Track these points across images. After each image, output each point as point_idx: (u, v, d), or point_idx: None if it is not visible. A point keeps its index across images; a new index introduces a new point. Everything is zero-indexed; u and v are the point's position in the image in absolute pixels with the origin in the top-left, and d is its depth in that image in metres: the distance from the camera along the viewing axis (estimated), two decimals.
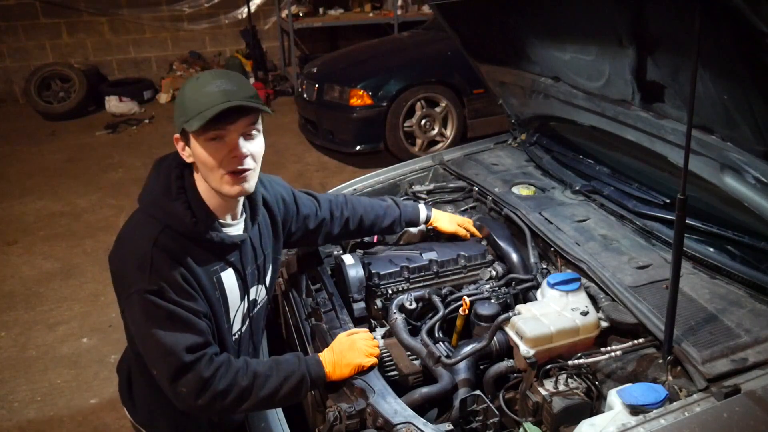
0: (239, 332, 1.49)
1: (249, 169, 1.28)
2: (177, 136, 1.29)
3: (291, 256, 1.98)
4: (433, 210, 1.97)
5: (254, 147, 1.28)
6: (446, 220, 1.97)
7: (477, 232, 1.98)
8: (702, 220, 1.65)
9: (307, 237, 1.74)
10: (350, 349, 1.42)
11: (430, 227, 1.99)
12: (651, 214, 1.80)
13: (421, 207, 1.94)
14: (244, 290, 1.46)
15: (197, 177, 1.32)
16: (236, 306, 1.45)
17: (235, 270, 1.41)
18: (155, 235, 1.26)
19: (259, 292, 1.54)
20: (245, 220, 1.43)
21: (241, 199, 1.40)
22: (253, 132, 1.28)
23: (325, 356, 1.41)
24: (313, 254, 1.95)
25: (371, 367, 1.42)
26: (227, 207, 1.36)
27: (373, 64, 5.43)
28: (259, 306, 1.57)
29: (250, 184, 1.30)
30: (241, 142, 1.24)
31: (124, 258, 1.28)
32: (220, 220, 1.36)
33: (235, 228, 1.40)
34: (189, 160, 1.29)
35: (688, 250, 1.62)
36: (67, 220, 4.55)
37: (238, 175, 1.26)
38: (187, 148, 1.28)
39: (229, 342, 1.43)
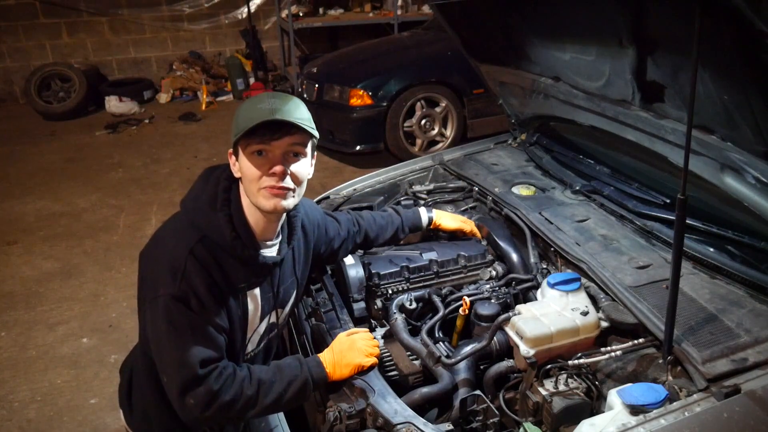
0: (253, 353, 1.50)
1: (288, 188, 1.28)
2: (230, 151, 1.31)
3: None
4: (434, 211, 1.97)
5: (297, 168, 1.28)
6: (448, 218, 1.98)
7: (478, 233, 1.98)
8: (702, 220, 1.65)
9: (331, 257, 1.76)
10: (350, 349, 1.42)
11: (433, 228, 1.99)
12: (651, 214, 1.80)
13: (422, 211, 1.94)
14: (266, 312, 1.46)
15: (243, 193, 1.33)
16: (254, 327, 1.45)
17: (262, 291, 1.41)
18: (192, 244, 1.27)
19: (279, 316, 1.54)
20: (281, 242, 1.43)
21: (281, 221, 1.40)
22: (299, 153, 1.28)
23: (325, 356, 1.41)
24: None
25: (371, 367, 1.42)
26: (267, 226, 1.36)
27: (373, 64, 5.43)
28: (275, 330, 1.56)
29: (288, 203, 1.30)
30: (284, 160, 1.26)
31: (158, 260, 1.28)
32: (258, 239, 1.36)
33: (271, 249, 1.40)
34: (237, 174, 1.31)
35: (688, 250, 1.62)
36: (67, 220, 4.55)
37: (275, 191, 1.26)
38: (236, 162, 1.30)
39: (239, 361, 1.42)
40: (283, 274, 1.47)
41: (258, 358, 1.53)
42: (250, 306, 1.39)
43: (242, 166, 1.27)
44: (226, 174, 1.34)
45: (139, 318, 1.35)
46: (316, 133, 1.28)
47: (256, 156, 1.25)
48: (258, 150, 1.24)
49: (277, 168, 1.25)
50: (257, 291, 1.40)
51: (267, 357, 1.59)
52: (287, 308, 1.56)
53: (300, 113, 1.25)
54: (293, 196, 1.30)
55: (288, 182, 1.27)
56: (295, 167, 1.28)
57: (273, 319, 1.51)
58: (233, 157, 1.31)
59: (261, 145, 1.23)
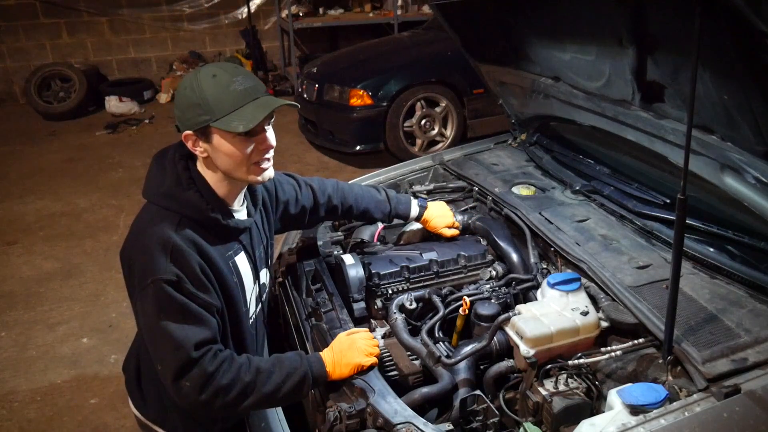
0: (254, 316, 1.53)
1: (271, 158, 1.35)
2: (188, 133, 1.29)
3: (291, 255, 1.98)
4: (429, 210, 1.95)
5: (271, 134, 1.34)
6: (437, 223, 1.96)
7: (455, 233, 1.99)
8: (702, 220, 1.65)
9: (291, 222, 1.77)
10: (350, 348, 1.42)
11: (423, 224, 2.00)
12: (651, 214, 1.80)
13: (414, 204, 1.94)
14: (256, 273, 1.50)
15: (201, 167, 1.35)
16: (250, 289, 1.48)
17: (247, 253, 1.45)
18: (174, 226, 1.28)
19: (266, 276, 1.58)
20: (247, 206, 1.47)
21: (244, 186, 1.44)
22: (271, 122, 1.34)
23: (326, 355, 1.42)
24: (312, 251, 1.95)
25: (371, 367, 1.42)
26: (233, 194, 1.39)
27: (373, 64, 5.43)
28: (267, 290, 1.61)
29: (272, 171, 1.38)
30: (267, 133, 1.31)
31: (143, 250, 1.27)
32: (229, 207, 1.40)
33: (241, 214, 1.44)
34: (203, 155, 1.31)
35: (688, 250, 1.62)
36: (67, 220, 4.55)
37: (263, 164, 1.33)
38: (201, 144, 1.29)
39: (246, 326, 1.45)
40: (260, 234, 1.53)
41: (259, 323, 1.57)
42: (242, 270, 1.43)
43: (225, 150, 1.27)
44: (179, 154, 1.36)
45: (134, 312, 1.35)
46: (296, 103, 1.35)
47: (243, 137, 1.27)
48: (245, 132, 1.25)
49: (268, 143, 1.31)
50: (243, 254, 1.44)
51: (265, 320, 1.63)
52: (270, 266, 1.61)
53: (261, 83, 1.31)
54: (272, 161, 1.38)
55: (271, 151, 1.35)
56: (272, 135, 1.34)
57: (263, 279, 1.55)
58: (193, 138, 1.29)
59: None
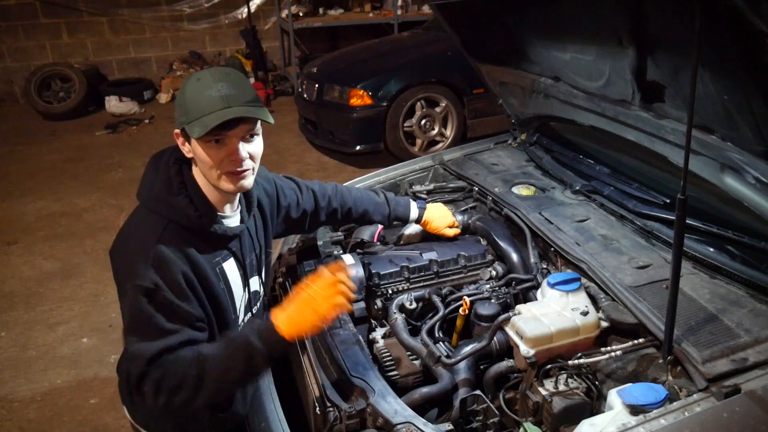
0: (242, 323, 1.51)
1: (248, 169, 1.30)
2: (177, 131, 1.30)
3: (291, 255, 1.98)
4: (428, 212, 1.95)
5: (253, 148, 1.31)
6: (438, 224, 1.96)
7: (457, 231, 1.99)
8: (702, 220, 1.65)
9: (292, 226, 1.76)
10: (309, 299, 1.28)
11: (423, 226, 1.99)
12: (651, 214, 1.80)
13: (413, 207, 1.93)
14: (245, 280, 1.48)
15: (195, 171, 1.34)
16: (240, 296, 1.46)
17: (236, 259, 1.43)
18: (160, 231, 1.28)
19: (258, 284, 1.56)
20: (241, 212, 1.46)
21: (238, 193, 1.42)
22: (253, 134, 1.30)
23: (277, 314, 1.29)
24: (312, 251, 1.95)
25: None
26: (225, 200, 1.38)
27: (373, 64, 5.43)
28: (259, 299, 1.58)
29: (249, 181, 1.33)
30: (240, 145, 1.27)
31: (127, 254, 1.28)
32: (219, 213, 1.38)
33: (233, 220, 1.43)
34: (189, 155, 1.31)
35: (688, 250, 1.62)
36: (67, 220, 4.55)
37: (238, 175, 1.29)
38: (187, 144, 1.30)
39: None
40: (252, 242, 1.50)
41: None
42: (230, 276, 1.41)
43: (198, 154, 1.28)
44: (174, 157, 1.34)
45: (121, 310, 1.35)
46: (268, 117, 1.29)
47: (213, 144, 1.25)
48: (214, 140, 1.25)
49: (237, 155, 1.26)
50: (232, 260, 1.42)
51: None
52: (263, 274, 1.58)
53: (248, 94, 1.26)
54: (252, 174, 1.33)
55: (247, 164, 1.29)
56: (251, 148, 1.30)
57: (254, 287, 1.53)
58: (181, 138, 1.30)
59: (217, 136, 1.24)
